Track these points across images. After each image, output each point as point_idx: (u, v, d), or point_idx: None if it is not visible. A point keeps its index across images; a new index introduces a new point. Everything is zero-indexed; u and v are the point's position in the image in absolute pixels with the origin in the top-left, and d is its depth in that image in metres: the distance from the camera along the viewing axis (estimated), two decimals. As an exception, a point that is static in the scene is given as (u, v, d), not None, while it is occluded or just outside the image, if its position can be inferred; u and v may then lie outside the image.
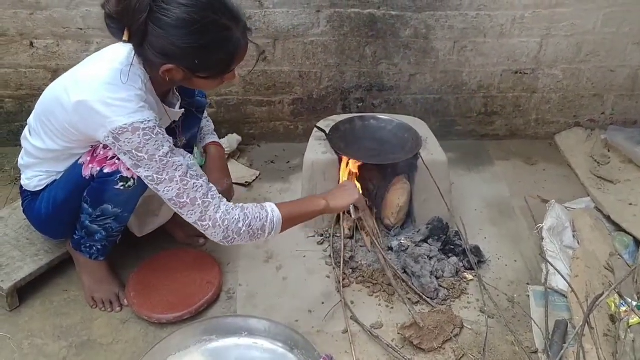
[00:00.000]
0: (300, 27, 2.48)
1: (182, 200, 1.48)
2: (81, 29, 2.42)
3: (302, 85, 2.66)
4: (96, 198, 1.64)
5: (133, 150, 1.44)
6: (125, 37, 1.39)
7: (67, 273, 1.96)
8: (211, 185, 1.53)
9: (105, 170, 1.59)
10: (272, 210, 1.56)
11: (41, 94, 2.56)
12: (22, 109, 2.61)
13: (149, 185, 1.52)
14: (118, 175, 1.58)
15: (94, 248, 1.78)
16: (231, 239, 1.51)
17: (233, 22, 1.41)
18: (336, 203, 1.73)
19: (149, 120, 1.45)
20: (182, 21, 1.34)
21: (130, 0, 1.33)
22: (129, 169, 1.56)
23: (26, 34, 2.42)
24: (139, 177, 1.57)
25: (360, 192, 1.85)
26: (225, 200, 1.53)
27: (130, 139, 1.43)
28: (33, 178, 1.73)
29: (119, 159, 1.56)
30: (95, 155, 1.61)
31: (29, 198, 1.78)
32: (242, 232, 1.50)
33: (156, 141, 1.45)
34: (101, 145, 1.60)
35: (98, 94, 1.43)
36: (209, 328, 1.69)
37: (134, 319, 1.82)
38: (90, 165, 1.61)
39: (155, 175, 1.47)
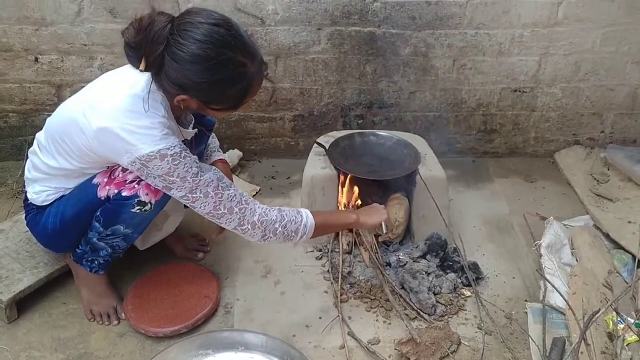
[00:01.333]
0: (301, 45, 2.51)
1: (220, 212, 1.54)
2: (85, 45, 2.45)
3: (303, 101, 2.68)
4: (110, 218, 1.66)
5: (164, 175, 1.48)
6: (142, 67, 1.41)
7: (66, 286, 1.97)
8: (241, 190, 1.60)
9: (124, 194, 1.61)
10: (306, 216, 1.64)
11: (45, 109, 2.60)
12: (25, 124, 2.63)
13: (185, 203, 1.55)
14: (136, 199, 1.60)
15: (96, 262, 1.79)
16: (268, 237, 1.59)
17: (248, 58, 1.43)
18: (366, 219, 1.80)
19: (175, 146, 1.48)
20: (197, 57, 1.37)
21: (149, 32, 1.36)
22: (147, 194, 1.60)
23: (31, 49, 2.46)
24: (156, 201, 1.62)
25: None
26: (258, 202, 1.60)
27: (160, 165, 1.46)
28: (41, 193, 1.74)
29: (138, 183, 1.59)
30: (112, 177, 1.63)
31: (34, 211, 1.79)
32: (277, 232, 1.59)
33: (185, 164, 1.49)
34: (120, 168, 1.62)
35: (120, 121, 1.45)
36: (205, 342, 1.69)
37: (131, 332, 1.83)
38: (107, 187, 1.63)
39: (189, 195, 1.51)
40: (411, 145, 2.24)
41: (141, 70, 1.42)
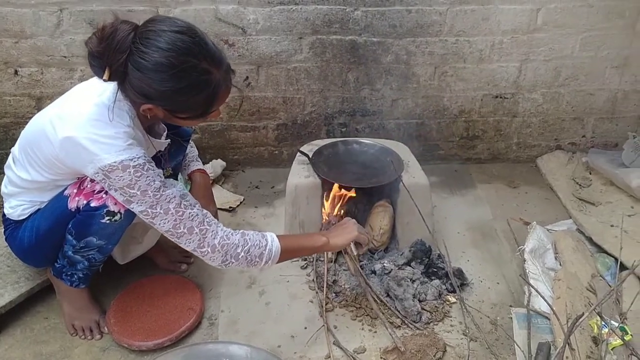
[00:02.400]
0: (283, 54, 2.51)
1: (179, 231, 1.49)
2: (65, 57, 2.44)
3: (286, 110, 2.68)
4: (81, 230, 1.64)
5: (125, 187, 1.45)
6: (105, 77, 1.39)
7: (48, 300, 1.95)
8: (205, 211, 1.55)
9: (92, 204, 1.58)
10: (272, 240, 1.58)
11: (25, 122, 2.55)
12: (6, 137, 2.61)
13: (144, 220, 1.51)
14: (104, 210, 1.58)
15: (75, 276, 1.77)
16: (229, 263, 1.53)
17: (214, 65, 1.42)
18: (336, 240, 1.74)
19: (138, 157, 1.45)
20: (161, 65, 1.35)
21: (112, 40, 1.34)
22: (116, 204, 1.57)
23: (10, 62, 2.44)
24: (125, 211, 1.58)
25: (359, 230, 1.81)
26: (222, 224, 1.55)
27: (121, 176, 1.43)
28: (17, 207, 1.71)
29: (106, 193, 1.57)
30: (82, 188, 1.61)
31: (12, 226, 1.77)
32: (240, 257, 1.53)
33: (147, 177, 1.45)
34: (88, 178, 1.60)
35: (85, 130, 1.43)
36: (189, 355, 1.67)
37: (114, 346, 1.80)
38: (77, 198, 1.61)
39: (149, 210, 1.48)
40: (394, 152, 2.25)
41: (105, 80, 1.39)
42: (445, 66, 2.60)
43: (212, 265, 1.55)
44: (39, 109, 2.51)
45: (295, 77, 2.58)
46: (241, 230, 1.57)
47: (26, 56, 2.43)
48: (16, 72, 2.47)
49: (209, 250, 1.51)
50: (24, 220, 1.73)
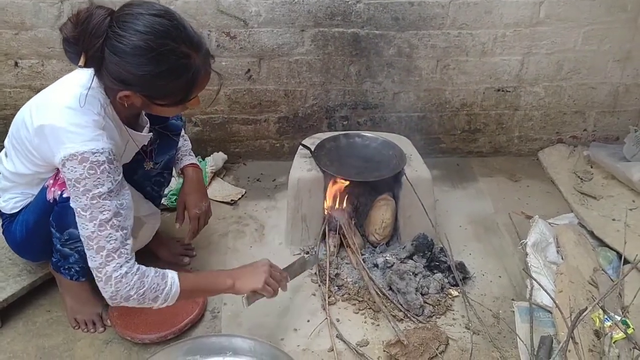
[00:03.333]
0: (285, 46, 2.50)
1: (90, 244, 1.42)
2: (66, 49, 2.42)
3: (288, 103, 2.67)
4: (60, 222, 1.61)
5: (72, 180, 1.40)
6: (81, 63, 1.36)
7: (50, 294, 1.94)
8: (128, 241, 1.46)
9: (64, 195, 1.55)
10: (172, 283, 1.49)
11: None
12: (6, 129, 2.57)
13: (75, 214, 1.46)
14: None
15: (72, 270, 1.75)
16: (118, 302, 1.44)
17: (193, 49, 1.38)
18: (241, 285, 1.62)
19: (101, 153, 1.40)
20: (139, 49, 1.31)
21: (87, 26, 1.31)
22: None
23: (11, 53, 2.43)
24: None
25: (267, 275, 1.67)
26: (132, 261, 1.46)
27: (75, 168, 1.38)
28: (9, 200, 1.70)
29: None
30: (57, 178, 1.58)
31: (7, 220, 1.76)
32: (131, 298, 1.44)
33: (98, 178, 1.39)
34: None
35: (57, 119, 1.39)
36: (192, 348, 1.67)
37: (117, 339, 1.80)
38: (53, 189, 1.58)
39: (79, 209, 1.42)
40: (396, 146, 2.25)
41: (80, 66, 1.36)
42: (448, 59, 2.59)
43: (103, 295, 1.45)
44: (39, 101, 2.51)
45: (297, 70, 2.57)
46: (143, 269, 1.46)
47: (26, 48, 2.42)
48: (16, 63, 2.45)
49: (103, 279, 1.42)
50: (16, 213, 1.72)
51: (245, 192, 2.58)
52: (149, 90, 1.40)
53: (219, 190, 2.56)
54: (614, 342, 1.70)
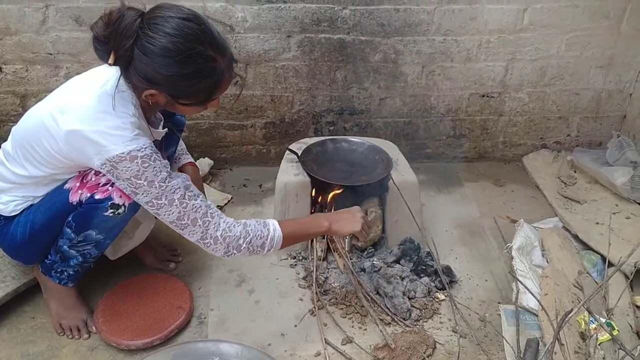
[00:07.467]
0: (271, 52, 2.51)
1: (183, 222, 1.51)
2: (50, 54, 2.41)
3: (274, 109, 2.67)
4: (82, 223, 1.62)
5: (132, 178, 1.45)
6: (110, 61, 1.40)
7: (34, 300, 1.92)
8: (209, 202, 1.56)
9: (97, 197, 1.58)
10: (274, 229, 1.59)
11: (10, 120, 2.55)
12: (-7, 134, 2.57)
13: (150, 211, 1.52)
14: (109, 202, 1.58)
15: (65, 273, 1.75)
16: (231, 254, 1.55)
17: (219, 53, 1.43)
18: (339, 227, 1.73)
19: (146, 147, 1.46)
20: (168, 50, 1.36)
21: (118, 25, 1.35)
22: (121, 196, 1.57)
23: (-6, 58, 2.41)
24: (130, 204, 1.59)
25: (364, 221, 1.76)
26: (224, 216, 1.56)
27: (129, 166, 1.44)
28: (9, 203, 1.69)
29: (111, 185, 1.57)
30: (85, 181, 1.60)
31: (2, 223, 1.74)
32: (242, 248, 1.54)
33: (154, 167, 1.46)
34: (92, 172, 1.60)
35: (90, 123, 1.43)
36: (179, 354, 1.66)
37: (103, 345, 1.79)
38: (80, 191, 1.60)
39: (154, 201, 1.48)
40: (383, 151, 2.26)
41: (109, 64, 1.40)
42: (433, 65, 2.61)
43: (216, 255, 1.56)
44: (23, 107, 2.50)
45: (283, 76, 2.58)
46: (243, 221, 1.58)
47: (11, 53, 2.40)
48: (0, 69, 2.43)
49: (212, 242, 1.53)
50: (15, 216, 1.70)
51: (232, 198, 2.58)
52: (175, 90, 1.45)
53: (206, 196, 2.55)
54: (599, 344, 1.71)
